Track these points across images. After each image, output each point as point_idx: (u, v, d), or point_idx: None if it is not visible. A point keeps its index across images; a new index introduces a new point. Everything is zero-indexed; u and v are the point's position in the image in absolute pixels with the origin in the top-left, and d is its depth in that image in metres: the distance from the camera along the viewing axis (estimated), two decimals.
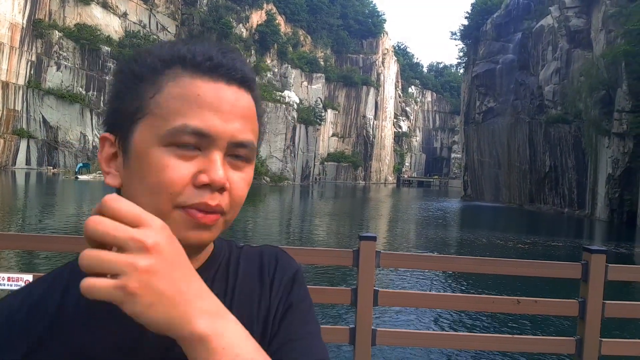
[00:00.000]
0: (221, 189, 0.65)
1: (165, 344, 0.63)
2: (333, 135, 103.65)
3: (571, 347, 3.01)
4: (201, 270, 0.69)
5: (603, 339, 3.00)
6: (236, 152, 0.67)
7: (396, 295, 3.12)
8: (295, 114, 76.20)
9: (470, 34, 57.24)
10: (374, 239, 2.97)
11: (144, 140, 0.65)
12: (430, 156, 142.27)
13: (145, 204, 0.60)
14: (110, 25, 74.62)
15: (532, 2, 49.53)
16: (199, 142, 0.64)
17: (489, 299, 3.05)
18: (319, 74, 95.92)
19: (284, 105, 74.37)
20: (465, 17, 59.58)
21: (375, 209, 41.06)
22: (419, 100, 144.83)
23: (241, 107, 0.68)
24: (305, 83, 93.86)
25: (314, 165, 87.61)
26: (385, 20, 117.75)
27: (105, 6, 74.52)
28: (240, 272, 0.79)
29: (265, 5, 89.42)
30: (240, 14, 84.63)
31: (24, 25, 66.41)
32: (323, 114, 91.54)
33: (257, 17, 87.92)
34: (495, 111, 50.03)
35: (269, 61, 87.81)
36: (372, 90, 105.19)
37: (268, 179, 68.92)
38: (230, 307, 0.67)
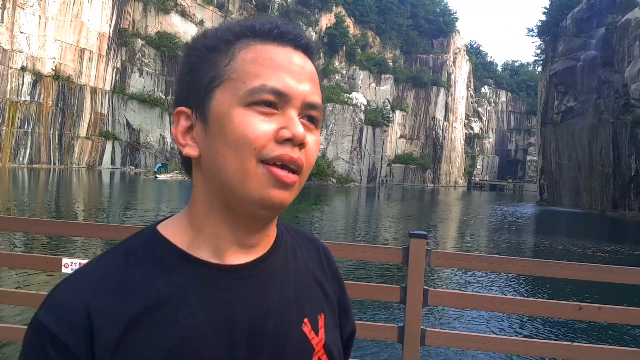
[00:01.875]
0: (301, 145, 0.68)
1: (257, 321, 0.71)
2: (401, 136, 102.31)
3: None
4: (272, 252, 0.77)
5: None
6: (308, 113, 0.71)
7: (447, 295, 3.07)
8: (362, 116, 76.10)
9: (548, 30, 54.46)
10: (424, 236, 2.94)
11: (223, 103, 0.68)
12: (504, 159, 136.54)
13: (230, 164, 0.67)
14: (188, 32, 78.32)
15: None
16: (276, 101, 0.67)
17: (548, 304, 2.91)
18: (387, 75, 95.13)
19: (351, 107, 74.53)
20: (543, 13, 56.83)
21: (443, 212, 40.10)
22: (492, 100, 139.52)
23: (309, 70, 0.71)
24: (373, 84, 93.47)
25: (381, 167, 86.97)
26: (457, 18, 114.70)
27: (184, 14, 78.39)
28: (305, 254, 0.85)
29: (334, 8, 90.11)
30: (310, 18, 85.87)
31: (110, 35, 71.41)
32: (391, 116, 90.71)
33: (326, 20, 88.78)
34: (576, 111, 47.13)
35: (337, 63, 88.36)
36: (442, 91, 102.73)
37: (334, 180, 69.31)
38: (309, 285, 0.81)
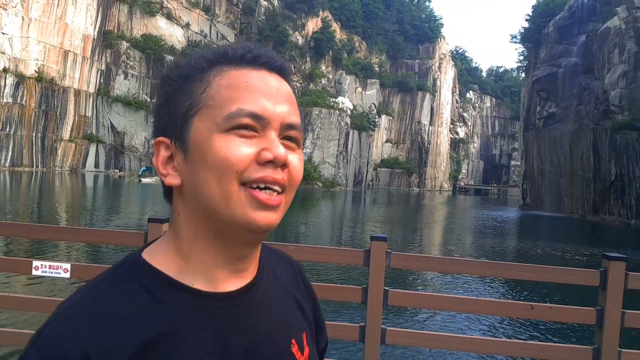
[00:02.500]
0: (283, 165, 0.68)
1: (251, 347, 0.72)
2: (387, 141, 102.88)
3: (588, 355, 2.96)
4: (258, 278, 0.79)
5: (622, 350, 2.92)
6: (288, 134, 0.71)
7: (406, 296, 3.18)
8: (348, 120, 76.34)
9: (531, 37, 55.36)
10: (384, 239, 3.06)
11: (202, 131, 0.68)
12: (488, 163, 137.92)
13: (213, 189, 0.67)
14: (174, 35, 78.06)
15: (598, 3, 47.17)
16: (255, 124, 0.68)
17: (501, 304, 3.04)
18: (373, 80, 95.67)
19: (337, 111, 74.74)
20: (526, 20, 57.69)
21: (425, 216, 40.40)
22: (477, 105, 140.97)
23: (285, 91, 0.72)
24: (359, 89, 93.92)
25: (367, 171, 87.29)
26: (442, 24, 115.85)
27: (170, 17, 78.06)
28: (283, 274, 0.87)
29: (321, 12, 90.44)
30: (297, 22, 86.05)
31: (95, 37, 70.79)
32: (377, 120, 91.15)
33: (312, 25, 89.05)
34: (557, 117, 47.95)
35: (323, 68, 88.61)
36: (427, 96, 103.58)
37: (320, 184, 69.39)
38: (291, 306, 0.83)
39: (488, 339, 3.73)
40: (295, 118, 0.72)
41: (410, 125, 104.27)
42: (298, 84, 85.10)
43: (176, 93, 0.72)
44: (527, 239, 26.84)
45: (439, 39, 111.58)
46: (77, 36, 68.07)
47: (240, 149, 0.66)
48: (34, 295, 4.90)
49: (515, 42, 60.71)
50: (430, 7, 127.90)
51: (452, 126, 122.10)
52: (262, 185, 0.67)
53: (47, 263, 3.40)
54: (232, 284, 0.73)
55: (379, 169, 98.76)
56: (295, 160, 0.72)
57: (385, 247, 3.01)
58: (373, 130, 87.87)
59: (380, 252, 3.01)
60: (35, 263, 3.42)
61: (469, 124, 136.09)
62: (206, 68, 0.71)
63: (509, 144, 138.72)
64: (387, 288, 3.04)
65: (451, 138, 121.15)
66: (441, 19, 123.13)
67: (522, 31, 57.82)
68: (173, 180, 0.71)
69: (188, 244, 0.72)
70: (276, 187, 0.68)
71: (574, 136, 44.65)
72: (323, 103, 75.49)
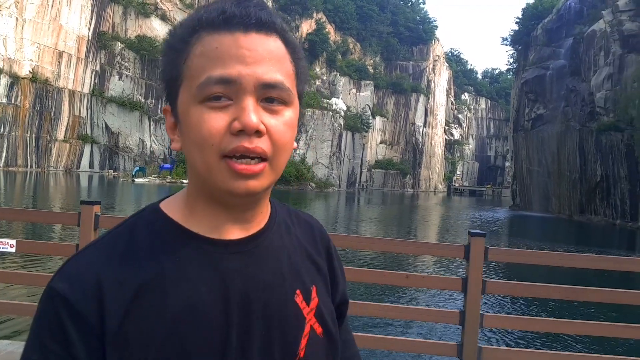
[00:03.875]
0: (257, 133, 0.67)
1: (251, 292, 0.74)
2: (381, 142, 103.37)
3: (456, 317, 3.46)
4: (267, 229, 0.81)
5: (483, 313, 3.42)
6: (268, 94, 0.69)
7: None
8: (342, 121, 76.88)
9: (520, 40, 55.99)
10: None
11: (183, 102, 0.70)
12: (484, 165, 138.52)
13: (198, 160, 0.69)
14: None
15: (585, 7, 47.82)
16: (227, 91, 0.67)
17: (381, 273, 3.52)
18: (367, 81, 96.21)
19: (330, 113, 75.26)
20: (516, 22, 58.30)
21: (419, 216, 40.86)
22: (472, 107, 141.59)
23: (263, 50, 0.69)
24: (353, 90, 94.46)
25: (361, 172, 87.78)
26: (436, 26, 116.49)
27: (164, 18, 78.49)
28: (298, 231, 0.88)
29: (315, 14, 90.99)
30: (291, 23, 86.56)
31: (90, 38, 71.22)
32: (370, 121, 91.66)
33: (307, 26, 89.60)
34: (545, 118, 48.59)
35: (317, 69, 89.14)
36: (422, 98, 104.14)
37: (313, 184, 69.92)
38: (302, 260, 0.84)
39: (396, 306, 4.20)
40: (273, 75, 0.69)
41: (404, 127, 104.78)
42: None
43: (167, 64, 0.73)
44: (514, 238, 27.38)
45: (433, 41, 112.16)
46: (71, 37, 68.47)
47: (212, 121, 0.67)
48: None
49: (506, 45, 61.22)
50: (425, 10, 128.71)
51: (447, 127, 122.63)
52: (237, 155, 0.67)
53: (3, 240, 3.87)
54: (237, 233, 0.76)
55: (373, 170, 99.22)
56: (278, 123, 0.70)
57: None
58: (366, 132, 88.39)
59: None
60: None
61: (464, 125, 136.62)
62: (186, 37, 0.71)
63: (503, 146, 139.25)
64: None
65: (446, 139, 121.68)
66: (435, 21, 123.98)
67: (512, 34, 58.46)
68: (176, 144, 0.74)
69: (193, 198, 0.76)
70: (252, 156, 0.68)
71: (561, 137, 45.28)
72: (317, 104, 76.01)
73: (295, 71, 0.75)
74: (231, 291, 0.73)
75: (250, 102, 0.68)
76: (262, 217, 0.80)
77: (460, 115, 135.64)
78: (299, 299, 0.80)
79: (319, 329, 0.81)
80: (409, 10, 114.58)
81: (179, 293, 0.70)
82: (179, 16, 79.88)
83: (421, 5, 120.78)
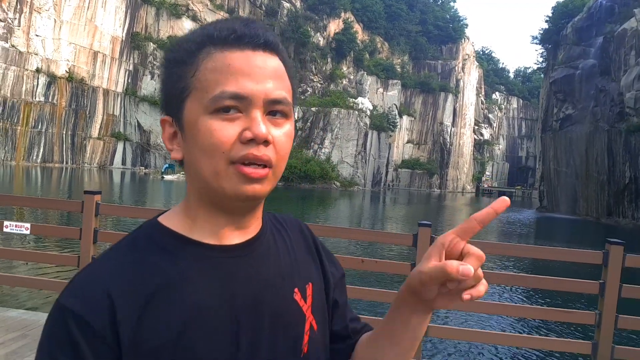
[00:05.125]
0: (265, 142, 0.73)
1: (255, 294, 0.79)
2: (408, 141, 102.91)
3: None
4: (262, 234, 0.86)
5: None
6: (273, 109, 0.75)
7: None
8: (367, 120, 76.96)
9: (549, 38, 54.99)
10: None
11: (192, 113, 0.74)
12: (514, 165, 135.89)
13: (205, 166, 0.74)
14: None
15: (616, 5, 46.64)
16: (238, 105, 0.72)
17: (340, 258, 3.98)
18: (395, 81, 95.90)
19: (356, 112, 75.45)
20: (545, 21, 57.25)
21: (446, 216, 40.77)
22: (503, 106, 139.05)
23: (270, 68, 0.75)
24: (380, 90, 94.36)
25: (386, 171, 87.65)
26: (466, 25, 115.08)
27: (195, 19, 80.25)
28: (289, 232, 0.94)
29: (343, 14, 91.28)
30: (318, 23, 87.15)
31: (123, 38, 73.52)
32: (397, 121, 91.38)
33: (334, 26, 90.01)
34: (574, 119, 47.65)
35: (344, 68, 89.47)
36: (450, 97, 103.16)
37: (338, 183, 70.31)
38: (295, 260, 0.90)
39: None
40: (280, 92, 0.75)
41: (432, 126, 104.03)
42: (319, 85, 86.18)
43: (171, 77, 0.77)
44: (540, 240, 27.25)
45: (462, 40, 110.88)
46: (106, 38, 70.85)
47: (223, 131, 0.71)
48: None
49: (536, 43, 60.18)
50: (455, 8, 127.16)
51: (476, 127, 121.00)
52: (247, 161, 0.72)
53: (14, 223, 4.53)
54: (236, 238, 0.81)
55: (399, 169, 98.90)
56: (280, 134, 0.76)
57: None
58: (393, 131, 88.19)
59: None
60: (5, 223, 4.56)
61: (495, 125, 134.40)
62: (194, 51, 0.74)
63: (535, 146, 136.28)
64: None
65: (475, 139, 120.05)
66: (465, 19, 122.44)
67: (542, 32, 57.45)
68: (177, 154, 0.78)
69: (194, 208, 0.79)
70: (259, 163, 0.73)
71: (589, 138, 44.38)
72: (343, 103, 76.30)
73: (292, 88, 0.81)
74: (237, 294, 0.77)
75: (259, 115, 0.73)
76: (258, 222, 0.85)
77: (490, 115, 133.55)
78: (297, 296, 0.84)
79: (315, 325, 0.86)
80: (438, 9, 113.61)
81: (186, 300, 0.73)
82: (209, 17, 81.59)
83: (451, 4, 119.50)
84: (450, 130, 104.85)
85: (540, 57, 60.77)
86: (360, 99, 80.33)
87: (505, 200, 0.71)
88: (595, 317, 3.72)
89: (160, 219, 0.82)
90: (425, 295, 0.72)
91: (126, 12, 73.34)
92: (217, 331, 0.74)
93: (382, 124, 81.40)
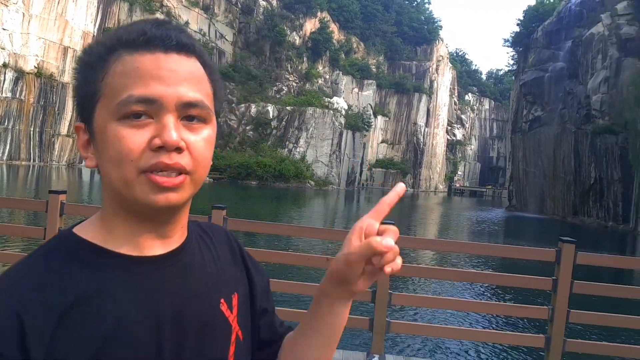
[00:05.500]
0: (177, 149, 0.69)
1: (179, 306, 0.76)
2: (383, 141, 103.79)
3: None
4: (187, 243, 0.82)
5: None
6: (189, 113, 0.71)
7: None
8: (342, 120, 77.25)
9: (521, 41, 56.32)
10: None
11: (101, 119, 0.70)
12: (485, 165, 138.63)
13: (115, 175, 0.70)
14: None
15: (585, 9, 48.13)
16: (148, 109, 0.68)
17: (304, 257, 4.09)
18: (370, 81, 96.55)
19: (331, 111, 75.68)
20: (517, 24, 58.57)
21: (418, 215, 41.29)
22: (475, 107, 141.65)
23: (183, 71, 0.71)
24: (356, 89, 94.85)
25: (361, 170, 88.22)
26: (441, 27, 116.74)
27: (169, 16, 78.98)
28: (215, 242, 0.92)
29: (319, 13, 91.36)
30: (295, 22, 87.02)
31: (95, 34, 71.80)
32: (371, 121, 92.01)
33: (311, 25, 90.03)
34: (542, 120, 48.97)
35: (320, 68, 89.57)
36: (424, 98, 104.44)
37: (313, 182, 70.40)
38: (221, 270, 0.87)
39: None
40: (194, 95, 0.71)
41: (406, 126, 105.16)
42: (294, 84, 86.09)
43: (82, 81, 0.73)
44: (507, 238, 27.91)
45: (437, 41, 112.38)
46: (77, 33, 69.21)
47: (132, 138, 0.68)
48: None
49: (507, 46, 61.51)
50: (430, 10, 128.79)
51: (449, 128, 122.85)
52: (158, 170, 0.69)
53: None
54: (158, 249, 0.77)
55: (373, 169, 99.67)
56: (198, 140, 0.72)
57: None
58: (367, 131, 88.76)
59: None
60: None
61: (467, 126, 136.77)
62: (104, 55, 0.71)
63: (506, 147, 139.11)
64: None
65: (448, 140, 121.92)
66: (440, 21, 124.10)
67: (513, 35, 58.75)
68: (91, 162, 0.74)
69: (111, 217, 0.75)
70: (172, 171, 0.69)
71: (557, 139, 45.67)
72: (318, 103, 76.40)
73: (213, 91, 0.78)
74: (161, 307, 0.73)
75: (171, 120, 0.69)
76: (182, 232, 0.82)
77: (463, 116, 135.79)
78: (224, 307, 0.83)
79: (242, 335, 0.86)
80: (413, 10, 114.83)
81: (105, 314, 0.69)
82: (183, 13, 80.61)
83: (426, 5, 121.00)
84: (424, 130, 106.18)
85: (512, 59, 62.19)
86: (335, 99, 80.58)
87: (402, 185, 0.75)
88: (549, 312, 3.91)
89: (76, 230, 0.77)
90: (351, 276, 0.74)
91: (98, 7, 71.76)
92: (140, 345, 0.70)
93: (357, 123, 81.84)
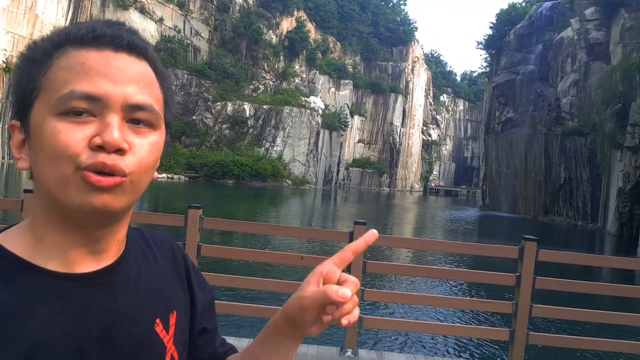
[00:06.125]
0: (119, 151, 0.65)
1: (108, 327, 0.71)
2: (359, 141, 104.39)
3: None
4: (122, 259, 0.77)
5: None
6: (135, 116, 0.68)
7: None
8: (319, 119, 77.45)
9: (493, 44, 57.39)
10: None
11: (37, 115, 0.66)
12: (460, 165, 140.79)
13: (49, 174, 0.65)
14: (147, 29, 77.91)
15: (555, 14, 49.38)
16: (91, 107, 0.65)
17: (280, 255, 4.19)
18: (347, 81, 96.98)
19: (308, 111, 75.78)
20: (490, 27, 59.67)
21: (394, 214, 41.76)
22: (450, 108, 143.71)
23: (133, 72, 0.68)
24: (332, 89, 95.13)
25: (338, 170, 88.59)
26: (416, 28, 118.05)
27: (143, 11, 77.89)
28: (157, 256, 0.86)
29: (296, 12, 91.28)
30: (271, 21, 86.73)
31: None
32: (348, 120, 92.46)
33: (287, 24, 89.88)
34: (514, 122, 50.07)
35: (297, 67, 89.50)
36: (400, 98, 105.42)
37: (290, 182, 70.41)
38: (159, 287, 0.82)
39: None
40: (142, 98, 0.68)
41: (382, 126, 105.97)
42: (271, 83, 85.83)
43: (23, 76, 0.69)
44: (481, 237, 28.46)
45: (412, 43, 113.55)
46: (47, 27, 67.46)
47: (70, 134, 0.64)
48: None
49: (481, 49, 62.64)
50: (406, 11, 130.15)
51: (424, 128, 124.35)
52: (95, 170, 0.64)
53: None
54: (89, 265, 0.72)
55: (350, 168, 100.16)
56: (143, 143, 0.69)
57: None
58: (344, 130, 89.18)
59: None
60: None
61: (442, 126, 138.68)
62: (49, 50, 0.68)
63: (480, 147, 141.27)
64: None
65: (424, 140, 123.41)
66: (415, 22, 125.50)
67: (486, 38, 59.86)
68: (23, 164, 0.70)
69: (41, 226, 0.70)
70: (108, 172, 0.65)
71: (528, 140, 46.77)
72: (295, 102, 76.38)
73: (164, 98, 0.75)
74: (87, 328, 0.69)
75: (115, 120, 0.66)
76: (118, 247, 0.77)
77: (438, 117, 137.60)
78: (158, 328, 0.79)
79: (177, 356, 0.81)
80: (389, 11, 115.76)
81: (25, 334, 0.64)
82: (157, 9, 79.47)
83: (402, 7, 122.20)
84: (400, 130, 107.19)
85: (485, 62, 63.36)
86: (312, 98, 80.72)
87: (374, 233, 0.73)
88: (512, 307, 4.10)
89: (0, 238, 0.71)
90: (304, 321, 0.72)
91: (69, 1, 70.20)
92: None
93: (334, 123, 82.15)
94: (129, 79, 0.68)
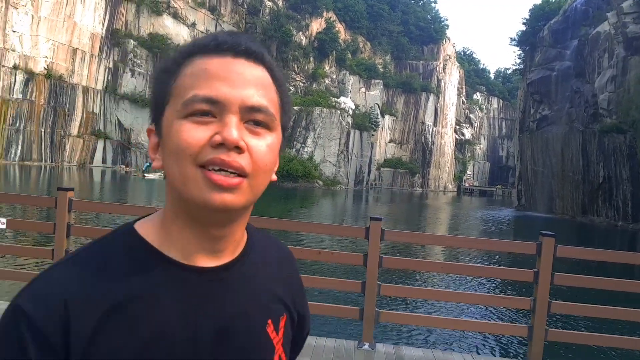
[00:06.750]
0: (237, 149, 0.69)
1: (223, 321, 0.76)
2: (390, 141, 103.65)
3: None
4: (240, 258, 0.82)
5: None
6: (253, 117, 0.72)
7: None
8: (350, 120, 77.37)
9: (527, 40, 56.00)
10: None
11: (167, 118, 0.73)
12: (495, 165, 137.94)
13: (174, 171, 0.71)
14: (180, 34, 79.66)
15: (591, 8, 47.81)
16: (212, 109, 0.70)
17: (299, 250, 4.28)
18: (377, 80, 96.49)
19: (338, 111, 75.81)
20: (523, 23, 58.30)
21: (426, 215, 41.33)
22: (484, 107, 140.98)
23: (251, 75, 0.73)
24: (363, 89, 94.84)
25: (369, 170, 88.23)
26: (447, 26, 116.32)
27: (176, 16, 79.69)
28: (274, 262, 0.91)
29: (325, 13, 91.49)
30: (301, 22, 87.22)
31: (103, 35, 72.65)
32: (379, 120, 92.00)
33: (317, 25, 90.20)
34: (550, 119, 48.72)
35: (327, 68, 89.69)
36: (431, 97, 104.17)
37: (321, 182, 70.57)
38: (275, 290, 0.87)
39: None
40: (260, 100, 0.72)
41: (414, 126, 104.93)
42: (301, 84, 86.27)
43: (157, 84, 0.77)
44: (516, 238, 27.86)
45: (443, 41, 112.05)
46: (85, 34, 69.94)
47: (192, 133, 0.69)
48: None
49: (514, 45, 61.25)
50: (436, 9, 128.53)
51: (457, 127, 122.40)
52: (216, 168, 0.69)
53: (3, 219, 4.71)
54: (208, 262, 0.77)
55: (382, 168, 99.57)
56: (259, 145, 0.72)
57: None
58: (375, 130, 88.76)
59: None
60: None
61: (476, 125, 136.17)
62: (179, 60, 0.75)
63: (515, 146, 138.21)
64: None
65: (457, 139, 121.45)
66: (446, 20, 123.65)
67: (520, 34, 58.52)
68: (157, 163, 0.76)
69: (170, 220, 0.76)
70: (230, 169, 0.69)
71: (565, 138, 45.43)
72: (325, 103, 76.55)
73: (280, 102, 0.78)
74: (203, 319, 0.73)
75: (233, 120, 0.70)
76: (236, 246, 0.81)
77: (471, 115, 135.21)
78: (270, 328, 0.82)
79: (284, 358, 0.85)
80: (419, 10, 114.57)
81: (149, 318, 0.69)
82: (190, 14, 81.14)
83: (432, 5, 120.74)
84: (432, 129, 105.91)
85: (518, 58, 61.88)
86: (342, 99, 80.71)
87: None
88: (531, 303, 4.08)
89: (137, 226, 0.78)
90: None
91: (106, 9, 72.46)
92: (177, 356, 0.70)
93: (365, 123, 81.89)
94: (246, 82, 0.72)
